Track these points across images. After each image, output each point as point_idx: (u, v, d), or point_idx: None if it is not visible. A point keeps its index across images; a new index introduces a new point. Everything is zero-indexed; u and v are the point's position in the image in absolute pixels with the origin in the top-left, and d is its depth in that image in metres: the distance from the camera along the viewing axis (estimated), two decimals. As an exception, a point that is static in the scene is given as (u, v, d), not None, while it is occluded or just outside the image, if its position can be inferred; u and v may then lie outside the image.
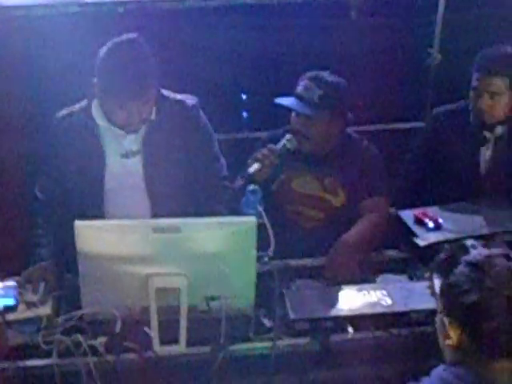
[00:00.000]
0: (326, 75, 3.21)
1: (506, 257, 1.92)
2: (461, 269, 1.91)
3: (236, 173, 3.20)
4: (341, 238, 3.00)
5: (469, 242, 1.99)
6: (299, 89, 3.19)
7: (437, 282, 2.01)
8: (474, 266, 1.90)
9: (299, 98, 3.17)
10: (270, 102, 3.29)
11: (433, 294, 2.05)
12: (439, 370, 1.93)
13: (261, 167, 2.97)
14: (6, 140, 4.03)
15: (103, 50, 2.80)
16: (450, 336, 1.93)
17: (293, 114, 3.22)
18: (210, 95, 4.01)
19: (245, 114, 4.83)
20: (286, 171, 3.25)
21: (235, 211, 2.84)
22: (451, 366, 1.92)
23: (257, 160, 2.99)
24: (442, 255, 1.99)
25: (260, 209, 2.70)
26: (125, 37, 2.81)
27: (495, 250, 1.94)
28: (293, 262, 2.92)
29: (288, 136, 3.10)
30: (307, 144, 3.18)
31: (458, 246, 1.99)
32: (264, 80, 4.50)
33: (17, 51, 4.12)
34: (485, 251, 1.94)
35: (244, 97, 4.80)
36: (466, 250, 1.95)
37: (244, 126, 4.70)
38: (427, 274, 2.43)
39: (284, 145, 3.07)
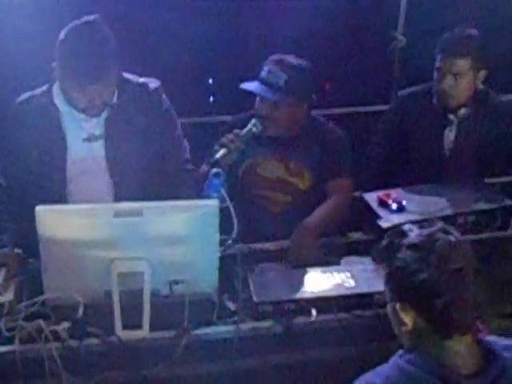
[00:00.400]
0: (290, 59, 3.20)
1: (444, 231, 1.93)
2: (403, 252, 1.92)
3: (201, 156, 3.19)
4: (303, 221, 3.00)
5: (406, 226, 1.99)
6: (264, 73, 3.17)
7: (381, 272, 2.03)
8: (416, 246, 1.91)
9: (264, 82, 3.16)
10: (237, 85, 3.29)
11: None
12: (396, 357, 1.94)
13: (227, 152, 2.95)
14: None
15: (62, 33, 2.77)
16: (405, 322, 1.93)
17: (258, 98, 3.21)
18: (175, 79, 4.00)
19: (211, 98, 4.81)
20: (252, 156, 3.25)
21: (198, 195, 2.84)
22: (406, 353, 1.93)
23: (223, 145, 2.96)
24: (382, 243, 2.00)
25: (223, 192, 2.70)
26: (84, 19, 2.78)
27: (433, 227, 1.94)
28: (257, 246, 2.91)
29: (253, 121, 3.08)
30: (272, 128, 3.17)
31: (395, 232, 1.99)
32: (230, 64, 4.48)
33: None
34: (424, 231, 1.94)
35: (210, 81, 4.78)
36: (404, 234, 1.96)
37: (210, 109, 4.68)
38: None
39: (250, 129, 3.05)
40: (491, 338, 2.00)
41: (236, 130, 3.03)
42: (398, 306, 1.94)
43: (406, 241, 1.93)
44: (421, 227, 1.96)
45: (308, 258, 2.83)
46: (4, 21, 3.98)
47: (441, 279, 1.86)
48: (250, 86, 3.19)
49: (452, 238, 1.91)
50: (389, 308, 2.00)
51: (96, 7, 2.97)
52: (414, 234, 1.94)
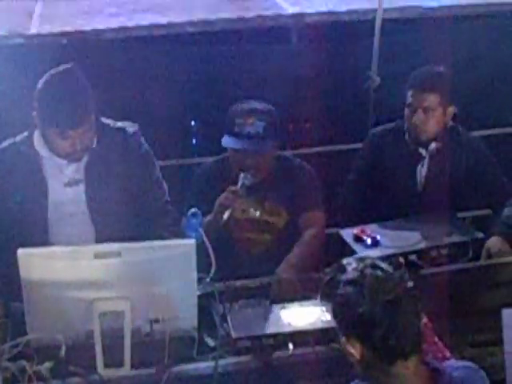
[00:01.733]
0: (258, 105, 3.27)
1: (373, 266, 2.04)
2: (342, 288, 2.03)
3: (180, 198, 3.26)
4: (284, 260, 3.09)
5: (344, 261, 2.09)
6: (239, 126, 3.21)
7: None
8: (351, 282, 2.02)
9: (242, 135, 3.21)
10: (218, 128, 3.36)
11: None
12: None
13: (231, 211, 3.02)
14: None
15: (41, 82, 2.86)
16: (353, 353, 2.03)
17: (234, 152, 3.26)
18: (156, 121, 4.09)
19: (193, 141, 4.88)
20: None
21: (178, 235, 2.91)
22: (360, 382, 2.05)
23: (225, 206, 3.04)
24: (324, 279, 2.10)
25: (201, 231, 2.77)
26: (61, 67, 2.88)
27: (365, 262, 2.05)
28: (236, 283, 2.96)
29: (243, 174, 3.13)
30: (256, 175, 3.23)
31: (335, 268, 2.10)
32: (212, 106, 4.55)
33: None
34: (358, 266, 2.05)
35: (193, 123, 4.85)
36: (343, 270, 2.06)
37: (192, 151, 4.75)
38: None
39: (243, 183, 3.11)
40: (449, 362, 2.14)
41: (231, 188, 3.09)
42: (343, 339, 2.05)
43: (344, 277, 2.04)
44: (358, 260, 2.06)
45: (290, 293, 2.89)
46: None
47: (375, 311, 1.96)
48: (232, 143, 3.24)
49: (379, 273, 2.01)
50: (340, 341, 2.09)
51: (74, 56, 3.06)
52: (350, 268, 2.05)
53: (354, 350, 2.02)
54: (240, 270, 3.15)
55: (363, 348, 2.00)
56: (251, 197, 3.29)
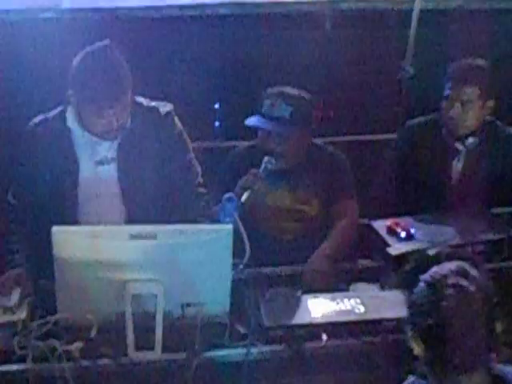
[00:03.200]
0: (290, 90, 3.24)
1: (463, 273, 1.93)
2: (420, 288, 1.94)
3: (209, 181, 3.22)
4: (318, 249, 3.06)
5: (431, 252, 2.01)
6: (267, 108, 3.20)
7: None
8: (430, 286, 1.92)
9: (269, 117, 3.19)
10: (242, 111, 3.32)
11: None
12: (409, 382, 1.97)
13: (250, 194, 2.97)
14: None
15: (77, 60, 2.82)
16: (416, 349, 1.95)
17: (261, 133, 3.24)
18: (183, 103, 4.04)
19: (217, 124, 4.84)
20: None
21: (210, 218, 2.87)
22: (419, 379, 1.96)
23: (245, 188, 2.97)
24: (406, 268, 2.03)
25: (236, 216, 2.73)
26: (97, 45, 2.84)
27: (453, 266, 1.94)
28: (268, 270, 2.94)
29: (266, 158, 3.08)
30: (282, 161, 3.20)
31: (422, 257, 2.01)
32: (237, 89, 4.52)
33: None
34: (442, 268, 1.94)
35: (217, 106, 4.81)
36: (433, 260, 1.97)
37: (216, 135, 4.71)
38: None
39: (265, 167, 3.06)
40: (499, 366, 2.04)
41: (253, 170, 3.03)
42: (410, 333, 1.97)
43: (424, 276, 1.94)
44: (447, 256, 1.98)
45: (322, 284, 2.86)
46: (20, 44, 4.03)
47: (449, 326, 1.87)
48: (256, 121, 3.22)
49: (464, 283, 1.90)
50: (407, 332, 2.02)
51: (105, 33, 3.02)
52: (433, 269, 1.94)
53: (418, 348, 1.94)
54: (269, 257, 3.12)
55: (428, 351, 1.93)
56: (283, 184, 3.26)
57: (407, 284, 2.00)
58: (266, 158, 3.09)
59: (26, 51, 4.08)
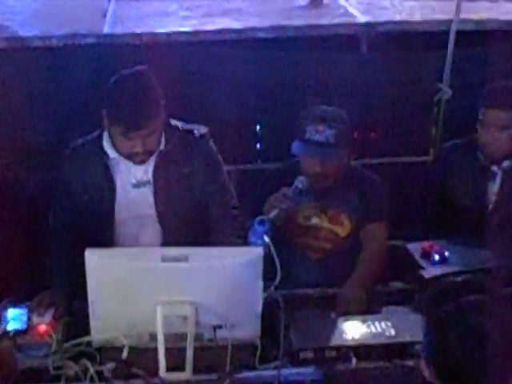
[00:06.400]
0: (331, 113, 3.23)
1: (480, 308, 1.91)
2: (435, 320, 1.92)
3: (246, 203, 3.25)
4: (352, 276, 3.06)
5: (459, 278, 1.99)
6: (311, 133, 3.17)
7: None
8: (445, 322, 1.90)
9: (314, 142, 3.17)
10: (283, 133, 3.33)
11: None
12: None
13: (278, 212, 2.97)
14: (25, 167, 4.11)
15: (110, 82, 2.89)
16: (427, 375, 1.95)
17: (303, 156, 3.24)
18: (224, 127, 4.09)
19: (258, 146, 4.88)
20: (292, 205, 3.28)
21: (244, 241, 2.90)
22: None
23: (273, 206, 2.98)
24: (427, 292, 2.01)
25: (267, 239, 2.74)
26: (133, 69, 2.90)
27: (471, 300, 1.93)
28: (299, 292, 2.95)
29: (300, 178, 3.08)
30: (321, 182, 3.21)
31: (442, 284, 2.00)
32: (277, 111, 4.55)
33: (35, 82, 4.22)
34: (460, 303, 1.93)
35: (258, 128, 4.85)
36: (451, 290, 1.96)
37: (257, 157, 4.75)
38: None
39: (296, 187, 3.06)
40: None
41: (283, 189, 3.04)
42: (423, 359, 1.95)
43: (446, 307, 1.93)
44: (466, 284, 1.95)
45: (356, 309, 2.86)
46: (63, 68, 4.13)
47: (469, 368, 1.85)
48: (302, 149, 3.20)
49: (480, 320, 1.88)
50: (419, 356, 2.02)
51: (145, 58, 3.08)
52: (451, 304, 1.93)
53: (429, 373, 1.94)
54: (297, 275, 3.15)
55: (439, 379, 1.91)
56: (315, 203, 3.27)
57: (428, 309, 2.00)
58: (300, 178, 3.08)
59: (68, 76, 4.19)
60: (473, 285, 1.98)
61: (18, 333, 2.60)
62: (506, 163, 3.37)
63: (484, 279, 2.03)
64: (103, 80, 3.00)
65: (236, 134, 4.40)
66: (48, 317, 2.67)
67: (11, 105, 4.17)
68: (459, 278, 1.97)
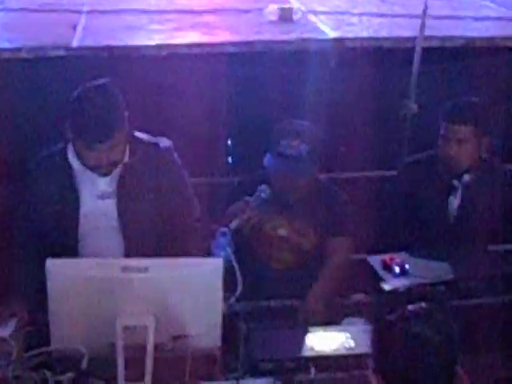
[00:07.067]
0: (304, 126, 3.28)
1: (422, 316, 1.94)
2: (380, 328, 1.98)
3: (217, 216, 3.27)
4: (312, 289, 3.11)
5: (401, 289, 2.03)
6: (284, 148, 3.22)
7: None
8: (388, 328, 1.95)
9: (286, 156, 3.22)
10: (254, 146, 3.35)
11: None
12: None
13: (240, 221, 3.01)
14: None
15: (73, 95, 2.89)
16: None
17: (273, 171, 3.27)
18: (194, 140, 4.11)
19: (230, 159, 4.90)
20: (258, 214, 3.31)
21: (207, 253, 2.92)
22: None
23: (235, 215, 3.02)
24: (377, 305, 2.05)
25: (229, 251, 2.77)
26: (96, 82, 2.91)
27: (412, 308, 1.95)
28: (260, 303, 2.98)
29: (262, 186, 3.10)
30: (293, 195, 3.25)
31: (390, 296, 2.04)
32: (248, 127, 4.58)
33: (3, 93, 4.22)
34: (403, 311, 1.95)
35: (229, 142, 4.87)
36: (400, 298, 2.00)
37: (228, 170, 4.77)
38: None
39: (258, 196, 3.08)
40: None
41: (246, 199, 3.09)
42: (371, 370, 2.02)
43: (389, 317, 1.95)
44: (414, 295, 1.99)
45: (315, 322, 2.89)
46: (27, 85, 4.14)
47: (413, 376, 1.90)
48: (274, 162, 3.25)
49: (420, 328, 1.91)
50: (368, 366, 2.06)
51: (113, 71, 3.09)
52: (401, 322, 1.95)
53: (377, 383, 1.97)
54: (259, 285, 3.18)
55: None
56: (282, 214, 3.30)
57: (375, 319, 2.03)
58: (262, 186, 3.10)
59: (37, 88, 4.19)
60: (415, 294, 2.01)
61: (-23, 343, 2.60)
62: (465, 177, 3.42)
63: (426, 289, 2.06)
64: (69, 93, 3.01)
65: (207, 148, 4.42)
66: (10, 327, 2.67)
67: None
68: (402, 289, 2.01)
